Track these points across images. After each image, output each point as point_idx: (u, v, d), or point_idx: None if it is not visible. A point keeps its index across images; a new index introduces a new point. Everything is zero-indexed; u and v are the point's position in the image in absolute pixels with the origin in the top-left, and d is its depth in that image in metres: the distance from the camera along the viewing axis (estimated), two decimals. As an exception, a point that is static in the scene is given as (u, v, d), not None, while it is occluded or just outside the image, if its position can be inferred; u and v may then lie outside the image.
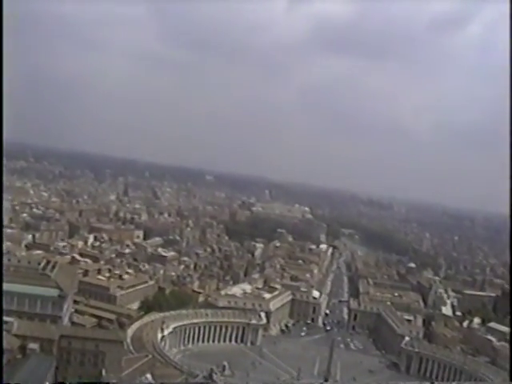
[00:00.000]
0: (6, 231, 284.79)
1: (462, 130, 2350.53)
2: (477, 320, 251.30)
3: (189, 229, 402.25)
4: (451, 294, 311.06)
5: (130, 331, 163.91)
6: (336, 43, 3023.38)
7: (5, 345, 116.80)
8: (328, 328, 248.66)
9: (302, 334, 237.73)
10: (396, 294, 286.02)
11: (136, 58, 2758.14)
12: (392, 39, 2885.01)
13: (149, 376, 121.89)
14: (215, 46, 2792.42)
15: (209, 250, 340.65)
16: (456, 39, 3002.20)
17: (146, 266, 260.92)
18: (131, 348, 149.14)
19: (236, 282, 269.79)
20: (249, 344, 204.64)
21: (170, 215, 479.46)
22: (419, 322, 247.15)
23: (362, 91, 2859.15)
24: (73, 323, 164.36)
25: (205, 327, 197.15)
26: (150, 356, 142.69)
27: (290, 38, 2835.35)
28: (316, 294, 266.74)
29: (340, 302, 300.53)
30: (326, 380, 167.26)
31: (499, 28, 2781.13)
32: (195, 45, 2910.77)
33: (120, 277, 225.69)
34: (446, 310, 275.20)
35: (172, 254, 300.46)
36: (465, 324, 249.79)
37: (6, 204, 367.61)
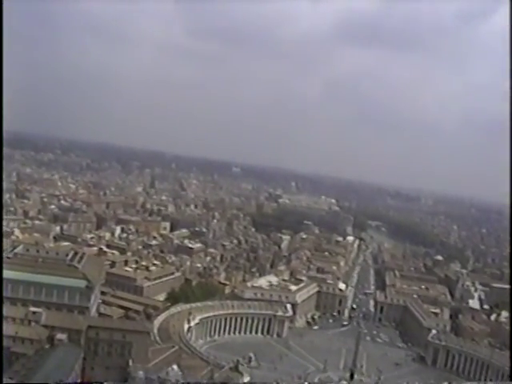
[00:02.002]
0: (35, 223, 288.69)
1: (489, 122, 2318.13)
2: (504, 313, 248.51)
3: (215, 221, 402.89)
4: (479, 287, 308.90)
5: (157, 322, 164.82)
6: (361, 35, 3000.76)
7: (33, 335, 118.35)
8: (355, 321, 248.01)
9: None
10: (423, 287, 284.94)
11: (163, 51, 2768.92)
12: (417, 30, 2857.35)
13: (175, 367, 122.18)
14: (242, 39, 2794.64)
15: (235, 241, 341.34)
16: (482, 30, 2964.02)
17: (173, 258, 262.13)
18: (158, 339, 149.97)
19: (262, 273, 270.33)
20: (275, 336, 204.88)
21: (196, 207, 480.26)
22: (446, 315, 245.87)
23: (388, 83, 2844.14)
24: (100, 314, 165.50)
25: (231, 319, 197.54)
26: (177, 347, 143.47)
27: (315, 31, 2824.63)
28: (342, 286, 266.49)
29: (365, 294, 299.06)
30: (352, 373, 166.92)
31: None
32: (222, 38, 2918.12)
33: (147, 268, 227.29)
34: (474, 303, 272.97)
35: (198, 245, 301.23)
36: (492, 317, 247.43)
37: (34, 195, 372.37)
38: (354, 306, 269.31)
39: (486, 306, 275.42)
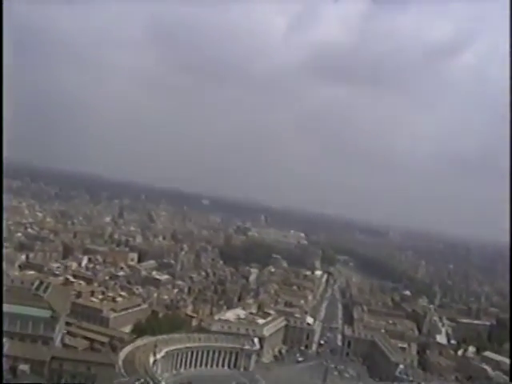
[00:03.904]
0: None
1: (458, 157, 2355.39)
2: (472, 349, 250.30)
3: (183, 252, 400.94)
4: (446, 322, 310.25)
5: (122, 354, 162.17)
6: (332, 71, 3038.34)
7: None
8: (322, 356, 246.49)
9: (297, 360, 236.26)
10: (390, 322, 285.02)
11: (134, 81, 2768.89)
12: (388, 67, 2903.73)
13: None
14: (213, 70, 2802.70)
15: (203, 274, 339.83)
16: (451, 68, 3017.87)
17: (140, 289, 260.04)
18: (123, 371, 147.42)
19: (230, 306, 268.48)
20: (242, 370, 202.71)
21: (164, 238, 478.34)
22: (414, 350, 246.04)
23: (359, 119, 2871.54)
24: (64, 345, 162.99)
25: (197, 352, 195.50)
26: (142, 380, 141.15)
27: (286, 64, 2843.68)
28: (310, 320, 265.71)
29: (330, 328, 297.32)
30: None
31: (493, 56, 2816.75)
32: (193, 69, 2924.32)
33: (113, 299, 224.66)
34: (441, 339, 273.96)
35: (166, 277, 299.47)
36: (459, 352, 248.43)
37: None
38: (322, 341, 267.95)
39: (453, 341, 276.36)
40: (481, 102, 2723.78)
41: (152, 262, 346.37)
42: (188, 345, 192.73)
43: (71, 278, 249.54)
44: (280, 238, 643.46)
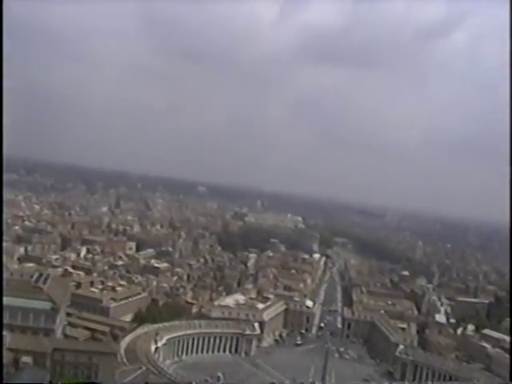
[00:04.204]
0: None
1: (452, 139, 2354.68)
2: (471, 327, 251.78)
3: (181, 240, 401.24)
4: (445, 301, 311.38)
5: (124, 343, 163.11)
6: (324, 54, 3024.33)
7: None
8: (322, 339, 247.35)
9: (297, 343, 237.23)
10: (389, 303, 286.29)
11: (125, 70, 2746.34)
12: (380, 49, 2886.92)
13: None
14: (205, 58, 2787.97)
15: (202, 260, 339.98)
16: (442, 48, 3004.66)
17: (139, 278, 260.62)
18: (125, 360, 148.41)
19: (229, 292, 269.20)
20: (243, 355, 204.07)
21: (162, 226, 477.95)
22: (413, 329, 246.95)
23: (351, 102, 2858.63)
24: (66, 336, 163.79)
25: (198, 338, 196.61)
26: (144, 368, 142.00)
27: (278, 49, 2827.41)
28: (309, 303, 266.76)
29: (329, 311, 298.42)
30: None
31: (485, 36, 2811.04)
32: (185, 57, 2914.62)
33: (113, 289, 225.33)
34: (440, 318, 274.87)
35: (165, 265, 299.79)
36: (459, 331, 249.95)
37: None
38: (322, 324, 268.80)
39: (452, 320, 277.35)
40: (474, 82, 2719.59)
41: (150, 251, 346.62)
42: (189, 331, 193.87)
43: (70, 269, 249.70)
44: (277, 222, 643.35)
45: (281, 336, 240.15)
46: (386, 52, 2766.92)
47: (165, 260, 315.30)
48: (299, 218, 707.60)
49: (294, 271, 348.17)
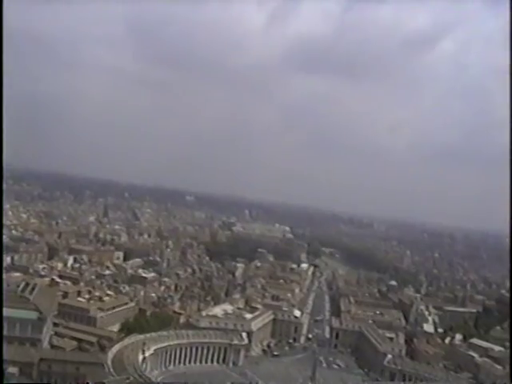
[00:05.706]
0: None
1: (439, 147, 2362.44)
2: (458, 336, 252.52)
3: (169, 249, 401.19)
4: (432, 310, 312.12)
5: (111, 353, 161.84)
6: (313, 62, 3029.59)
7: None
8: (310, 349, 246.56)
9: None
10: (377, 312, 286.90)
11: (113, 78, 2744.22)
12: (368, 57, 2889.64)
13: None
14: (193, 65, 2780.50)
15: (189, 270, 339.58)
16: (429, 57, 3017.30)
17: (127, 288, 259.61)
18: (112, 370, 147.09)
19: (217, 302, 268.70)
20: (231, 365, 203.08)
21: (149, 236, 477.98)
22: (401, 339, 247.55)
23: (340, 110, 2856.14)
24: (52, 346, 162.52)
25: (186, 348, 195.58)
26: (132, 378, 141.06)
27: (267, 57, 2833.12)
28: (297, 313, 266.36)
29: (315, 320, 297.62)
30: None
31: (471, 45, 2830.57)
32: (173, 64, 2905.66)
33: (100, 299, 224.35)
34: (428, 327, 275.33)
35: (152, 275, 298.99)
36: (447, 340, 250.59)
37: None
38: (310, 335, 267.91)
39: (440, 330, 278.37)
40: (461, 90, 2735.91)
41: (138, 260, 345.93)
42: (176, 341, 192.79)
43: (57, 279, 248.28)
44: (265, 232, 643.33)
45: (269, 346, 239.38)
46: (374, 60, 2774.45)
47: (152, 270, 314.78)
48: (287, 228, 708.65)
49: (281, 281, 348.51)
